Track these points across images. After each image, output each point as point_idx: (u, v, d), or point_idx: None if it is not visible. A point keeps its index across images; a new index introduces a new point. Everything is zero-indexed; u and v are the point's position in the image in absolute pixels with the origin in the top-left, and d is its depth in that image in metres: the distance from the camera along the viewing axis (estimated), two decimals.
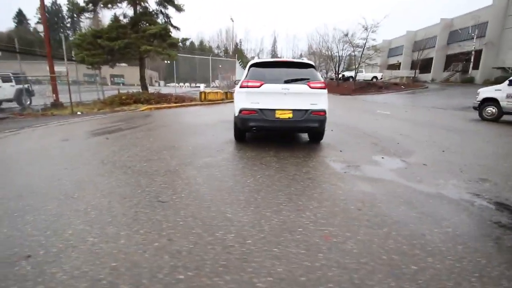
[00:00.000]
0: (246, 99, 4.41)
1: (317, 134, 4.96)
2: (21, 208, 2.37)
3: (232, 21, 31.02)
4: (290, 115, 4.29)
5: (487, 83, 21.24)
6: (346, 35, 24.94)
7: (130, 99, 11.88)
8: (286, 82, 4.36)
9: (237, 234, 1.99)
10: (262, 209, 2.41)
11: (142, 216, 2.26)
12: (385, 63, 40.22)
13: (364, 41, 24.00)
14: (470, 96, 15.47)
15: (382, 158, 4.17)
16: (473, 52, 25.98)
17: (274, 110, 4.30)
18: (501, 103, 8.65)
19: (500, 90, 8.79)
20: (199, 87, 23.38)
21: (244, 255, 1.75)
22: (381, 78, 30.36)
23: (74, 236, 1.94)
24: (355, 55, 25.61)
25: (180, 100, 12.94)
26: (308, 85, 4.34)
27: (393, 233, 2.02)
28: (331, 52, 28.60)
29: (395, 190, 2.90)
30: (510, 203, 2.63)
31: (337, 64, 28.28)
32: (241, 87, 4.47)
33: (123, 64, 25.61)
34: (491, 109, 8.95)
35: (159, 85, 40.33)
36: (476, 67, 25.90)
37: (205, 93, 13.87)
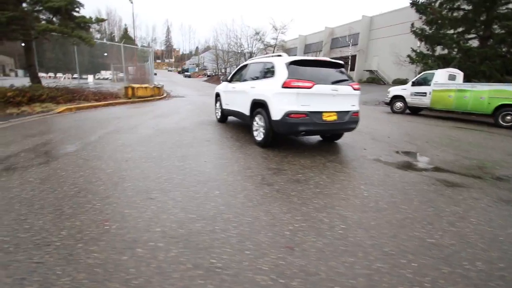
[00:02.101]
0: (295, 101, 4.02)
1: (340, 135, 5.12)
2: None
3: (131, 2, 26.38)
4: (335, 117, 4.22)
5: (361, 82, 27.38)
6: (258, 33, 26.13)
7: (23, 96, 8.44)
8: (334, 83, 4.23)
9: None
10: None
11: None
12: None
13: (275, 41, 25.84)
14: (370, 94, 19.43)
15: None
16: (350, 57, 32.50)
17: (321, 112, 4.12)
18: (406, 99, 11.32)
19: (405, 89, 11.44)
20: (86, 78, 19.28)
21: None
22: None
23: None
24: (266, 53, 27.24)
25: (102, 98, 10.27)
26: (351, 86, 4.35)
27: None
28: (241, 48, 29.38)
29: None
30: (401, 152, 3.59)
31: None
32: (285, 87, 4.01)
33: None
34: (399, 104, 11.57)
35: (16, 75, 30.07)
36: (352, 69, 32.61)
37: (132, 87, 11.52)
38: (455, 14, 14.54)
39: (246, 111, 5.09)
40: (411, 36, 25.03)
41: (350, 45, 32.02)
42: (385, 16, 29.65)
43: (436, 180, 3.46)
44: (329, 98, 4.19)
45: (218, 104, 7.04)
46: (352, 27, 31.83)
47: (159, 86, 14.35)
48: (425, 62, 16.24)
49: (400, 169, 3.85)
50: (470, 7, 13.93)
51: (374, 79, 29.48)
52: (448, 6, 14.83)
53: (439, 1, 15.20)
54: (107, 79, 23.87)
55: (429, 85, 10.64)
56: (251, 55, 29.25)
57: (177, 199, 2.59)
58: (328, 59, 4.47)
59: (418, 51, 16.70)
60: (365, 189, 3.04)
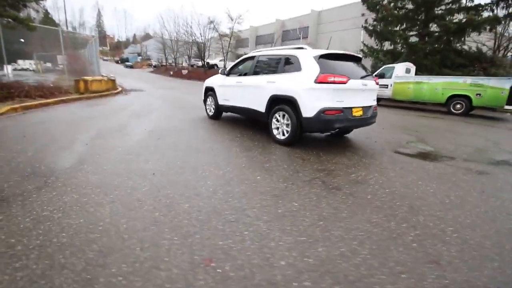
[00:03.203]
0: (331, 97, 3.83)
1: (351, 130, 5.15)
2: None
3: None
4: (361, 113, 4.19)
5: None
6: (212, 21, 24.96)
7: None
8: (362, 77, 4.16)
9: None
10: None
11: None
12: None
13: (231, 30, 25.04)
14: None
15: None
16: None
17: (351, 108, 4.03)
18: None
19: None
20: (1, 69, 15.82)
21: None
22: None
23: None
24: (222, 44, 26.23)
25: (49, 94, 8.46)
26: (375, 80, 4.35)
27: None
28: (194, 38, 27.78)
29: None
30: (409, 142, 4.15)
31: (203, 51, 27.97)
32: (320, 82, 3.79)
33: None
34: None
35: None
36: None
37: (85, 81, 9.75)
38: (400, 12, 16.08)
39: (260, 108, 4.71)
40: (356, 31, 27.18)
41: (301, 38, 33.13)
42: (332, 11, 31.36)
43: (465, 169, 3.72)
44: (359, 93, 4.13)
45: (210, 100, 6.42)
46: (302, 21, 32.88)
47: (112, 78, 12.56)
48: (376, 56, 17.80)
49: (427, 160, 4.04)
50: (412, 7, 15.60)
51: None
52: (394, 5, 16.35)
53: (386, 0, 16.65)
54: (27, 69, 19.84)
55: (390, 77, 11.63)
56: (204, 44, 27.84)
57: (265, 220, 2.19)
58: (351, 52, 4.38)
59: (368, 45, 18.16)
60: (425, 184, 3.07)
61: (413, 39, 15.87)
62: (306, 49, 4.31)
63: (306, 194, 2.69)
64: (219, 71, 5.93)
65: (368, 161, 3.85)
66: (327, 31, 31.90)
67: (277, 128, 4.49)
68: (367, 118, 4.32)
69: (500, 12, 13.85)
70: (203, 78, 26.72)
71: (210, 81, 6.45)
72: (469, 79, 9.56)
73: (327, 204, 2.49)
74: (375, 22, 17.23)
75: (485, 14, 14.23)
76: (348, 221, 2.22)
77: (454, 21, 14.27)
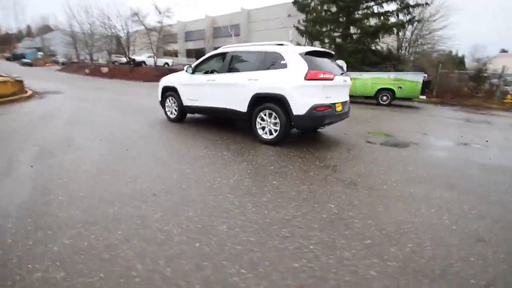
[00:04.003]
0: (321, 93, 3.88)
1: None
2: None
3: None
4: (341, 108, 4.39)
5: None
6: (136, 14, 22.57)
7: None
8: (342, 74, 4.31)
9: None
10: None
11: None
12: (183, 47, 40.10)
13: (160, 25, 23.10)
14: None
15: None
16: None
17: (335, 104, 4.18)
18: None
19: None
20: None
21: None
22: (172, 65, 31.17)
23: None
24: (150, 38, 23.91)
25: None
26: (349, 76, 4.58)
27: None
28: (114, 30, 24.64)
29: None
30: (389, 134, 5.10)
31: (127, 46, 25.07)
32: (310, 79, 3.78)
33: None
34: None
35: None
36: None
37: None
38: (327, 14, 17.68)
39: (241, 108, 4.44)
40: (285, 30, 28.72)
41: (233, 35, 33.14)
42: (261, 11, 32.34)
43: (436, 149, 4.30)
44: (340, 89, 4.30)
45: (171, 101, 5.73)
46: (232, 18, 32.90)
47: (18, 79, 10.02)
48: None
49: (400, 147, 4.52)
50: (336, 10, 17.34)
51: None
52: (321, 8, 17.87)
53: (313, 2, 18.06)
54: None
55: None
56: (128, 39, 24.89)
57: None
58: (327, 50, 4.50)
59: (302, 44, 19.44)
60: (416, 169, 3.40)
61: (339, 40, 17.72)
62: (287, 45, 4.23)
63: (332, 193, 2.63)
64: (185, 68, 5.33)
65: (355, 153, 4.05)
66: (258, 29, 32.81)
67: (263, 128, 4.32)
68: (346, 113, 4.55)
69: (404, 18, 16.65)
70: (129, 77, 24.33)
71: (169, 80, 5.75)
72: (392, 75, 11.23)
73: (360, 202, 2.48)
74: (305, 23, 18.51)
75: (392, 19, 16.95)
76: (393, 217, 2.26)
77: (371, 24, 16.51)
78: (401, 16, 16.56)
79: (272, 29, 30.93)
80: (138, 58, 27.64)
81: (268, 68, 4.18)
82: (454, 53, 37.51)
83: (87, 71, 27.09)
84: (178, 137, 4.62)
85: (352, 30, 17.66)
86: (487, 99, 13.68)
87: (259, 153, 3.87)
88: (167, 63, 30.28)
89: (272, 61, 4.16)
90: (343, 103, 4.43)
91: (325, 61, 4.24)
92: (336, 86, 4.13)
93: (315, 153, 3.94)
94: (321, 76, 3.81)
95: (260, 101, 4.23)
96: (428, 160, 3.88)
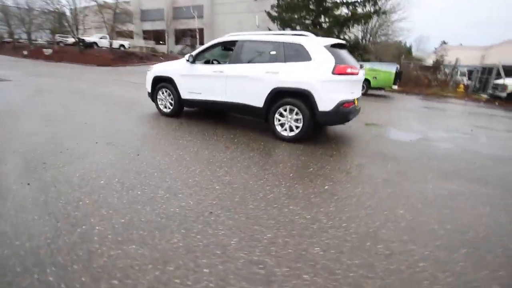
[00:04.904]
0: (348, 88, 3.76)
1: None
2: None
3: None
4: (357, 103, 4.33)
5: None
6: None
7: None
8: (361, 67, 4.21)
9: None
10: None
11: None
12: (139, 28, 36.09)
13: (114, 0, 20.56)
14: None
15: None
16: (197, 30, 31.86)
17: (356, 99, 4.09)
18: None
19: None
20: None
21: None
22: (129, 47, 28.37)
23: None
24: (104, 17, 21.15)
25: None
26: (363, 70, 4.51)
27: None
28: (58, 7, 21.36)
29: None
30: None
31: (75, 25, 21.97)
32: (338, 73, 3.61)
33: None
34: None
35: None
36: (202, 43, 32.35)
37: None
38: (298, 0, 17.50)
39: (256, 103, 4.11)
40: (251, 15, 27.94)
41: (196, 17, 31.22)
42: None
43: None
44: (359, 84, 4.21)
45: (164, 94, 5.09)
46: None
47: None
48: None
49: (405, 138, 4.68)
50: None
51: None
52: None
53: None
54: None
55: None
56: (76, 16, 21.72)
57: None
58: (342, 41, 4.32)
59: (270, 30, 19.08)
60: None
61: (310, 28, 17.78)
62: (307, 36, 3.97)
63: (406, 196, 2.56)
64: (186, 57, 4.71)
65: (374, 143, 4.07)
66: (223, 12, 31.37)
67: (281, 125, 4.07)
68: (359, 109, 4.51)
69: (370, 9, 17.26)
70: (80, 61, 21.55)
71: (163, 69, 5.08)
72: (368, 65, 11.64)
73: (429, 205, 2.45)
74: (277, 9, 18.13)
75: (359, 10, 17.47)
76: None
77: (341, 14, 16.83)
78: (367, 7, 17.22)
79: (238, 12, 29.80)
80: (88, 39, 24.55)
81: (289, 61, 3.88)
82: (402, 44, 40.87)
83: (25, 52, 23.24)
84: (188, 135, 4.12)
85: (321, 19, 17.86)
86: (443, 88, 15.15)
87: (286, 152, 3.64)
88: (123, 45, 27.48)
89: (294, 53, 3.87)
90: (358, 98, 4.37)
91: (346, 54, 4.08)
92: (358, 81, 4.04)
93: (340, 150, 3.85)
94: (349, 70, 3.67)
95: (280, 96, 3.95)
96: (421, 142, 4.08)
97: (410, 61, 17.80)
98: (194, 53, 4.69)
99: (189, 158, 3.22)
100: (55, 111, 5.17)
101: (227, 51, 5.31)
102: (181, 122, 4.87)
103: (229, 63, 4.39)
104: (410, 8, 37.39)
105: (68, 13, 22.14)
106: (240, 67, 4.22)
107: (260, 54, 4.22)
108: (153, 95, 5.29)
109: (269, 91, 3.95)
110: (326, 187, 2.68)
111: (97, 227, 1.85)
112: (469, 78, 17.25)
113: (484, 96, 13.76)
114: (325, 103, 3.68)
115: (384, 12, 18.11)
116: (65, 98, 6.53)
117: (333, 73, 3.61)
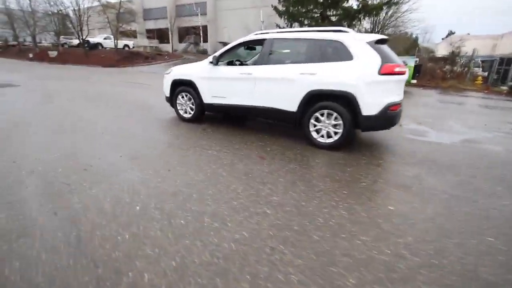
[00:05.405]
0: (394, 90, 3.40)
1: None
2: None
3: None
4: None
5: None
6: None
7: None
8: (406, 65, 3.81)
9: None
10: None
11: None
12: (142, 27, 35.79)
13: (119, 1, 20.20)
14: None
15: None
16: (200, 27, 31.40)
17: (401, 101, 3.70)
18: None
19: None
20: None
21: None
22: (133, 47, 28.05)
23: None
24: (108, 17, 20.83)
25: None
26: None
27: None
28: (62, 8, 21.08)
29: None
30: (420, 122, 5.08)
31: (79, 26, 21.69)
32: (385, 73, 3.24)
33: None
34: None
35: None
36: (206, 40, 31.95)
37: None
38: None
39: (289, 107, 3.76)
40: (256, 10, 27.38)
41: (199, 14, 30.75)
42: None
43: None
44: (403, 84, 3.82)
45: (184, 98, 4.77)
46: None
47: None
48: None
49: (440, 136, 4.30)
50: None
51: None
52: None
53: None
54: None
55: None
56: (80, 17, 21.42)
57: None
58: (385, 36, 3.92)
59: (280, 25, 18.58)
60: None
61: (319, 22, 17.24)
62: (347, 32, 3.58)
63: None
64: (209, 58, 4.36)
65: (416, 147, 3.70)
66: (226, 8, 30.79)
67: (317, 131, 3.72)
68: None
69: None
70: (85, 62, 21.31)
71: (183, 72, 4.75)
72: None
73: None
74: (284, 3, 17.61)
75: (369, 1, 16.87)
76: None
77: (351, 6, 16.25)
78: None
79: (242, 8, 29.23)
80: (92, 39, 24.32)
81: (326, 60, 3.51)
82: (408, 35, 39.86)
83: (31, 55, 23.14)
84: (215, 144, 3.79)
85: (329, 12, 17.29)
86: (460, 81, 14.56)
87: (327, 162, 3.30)
88: (127, 46, 27.11)
89: (332, 52, 3.49)
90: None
91: (389, 50, 3.68)
92: (403, 81, 3.65)
93: (384, 157, 3.50)
94: (397, 69, 3.29)
95: (317, 99, 3.59)
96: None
97: (423, 53, 17.17)
98: (217, 54, 4.34)
99: (225, 173, 2.90)
100: (68, 119, 4.88)
101: (250, 51, 4.98)
102: (204, 128, 4.55)
103: (257, 64, 4.03)
104: None
105: (71, 14, 21.80)
106: (270, 68, 3.86)
107: (292, 53, 3.87)
108: (172, 100, 4.96)
109: (304, 94, 3.60)
110: (391, 207, 2.33)
111: (146, 274, 1.54)
112: (483, 69, 16.65)
113: (505, 88, 13.20)
114: (370, 106, 3.31)
115: (396, 3, 17.44)
116: (75, 104, 6.25)
117: (380, 73, 3.23)
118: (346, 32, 3.59)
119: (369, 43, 3.35)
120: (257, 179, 2.76)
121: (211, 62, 4.32)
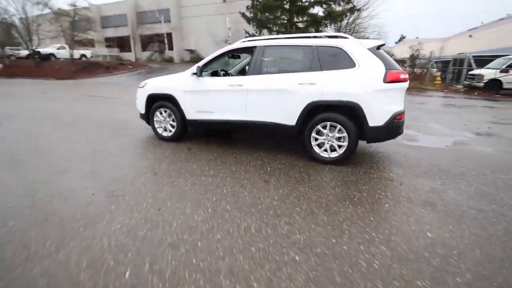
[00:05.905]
0: (400, 98, 3.21)
1: None
2: None
3: None
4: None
5: (184, 62, 27.27)
6: None
7: None
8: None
9: None
10: None
11: None
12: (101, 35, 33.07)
13: (74, 8, 18.57)
14: None
15: None
16: (165, 35, 30.25)
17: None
18: None
19: None
20: None
21: None
22: (91, 57, 26.06)
23: None
24: (61, 25, 19.01)
25: None
26: None
27: None
28: (6, 16, 18.87)
29: None
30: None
31: (28, 36, 19.59)
32: (390, 81, 3.04)
33: None
34: None
35: None
36: (171, 48, 30.84)
37: None
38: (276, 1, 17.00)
39: (288, 120, 3.41)
40: (221, 17, 27.09)
41: (163, 21, 29.63)
42: None
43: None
44: (404, 91, 3.66)
45: (163, 115, 4.20)
46: (160, 2, 29.23)
47: None
48: None
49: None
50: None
51: (197, 59, 29.69)
52: None
53: None
54: None
55: None
56: (29, 26, 19.29)
57: None
58: (381, 41, 3.74)
59: (249, 32, 18.42)
60: None
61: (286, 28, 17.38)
62: (347, 38, 3.33)
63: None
64: (192, 69, 3.84)
65: (414, 154, 3.57)
66: (191, 15, 30.06)
67: (319, 145, 3.41)
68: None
69: (344, 7, 17.27)
70: (36, 75, 19.23)
71: (160, 85, 4.18)
72: None
73: None
74: (252, 9, 17.50)
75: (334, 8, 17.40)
76: None
77: (318, 13, 16.63)
78: (342, 5, 17.21)
79: (206, 15, 28.74)
80: (44, 50, 22.12)
81: (327, 68, 3.22)
82: None
83: None
84: (207, 167, 3.29)
85: (296, 19, 17.54)
86: (421, 82, 15.52)
87: (338, 180, 2.98)
88: (84, 55, 25.20)
89: (332, 59, 3.21)
90: None
91: (387, 56, 3.49)
92: (406, 88, 3.49)
93: (392, 170, 3.28)
94: (402, 76, 3.10)
95: (318, 111, 3.28)
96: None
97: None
98: (200, 64, 3.86)
99: (229, 206, 2.43)
100: (22, 147, 4.03)
101: (234, 59, 4.57)
102: (188, 148, 4.02)
103: (248, 74, 3.62)
104: (381, 5, 38.66)
105: (18, 23, 19.59)
106: (264, 78, 3.48)
107: (288, 61, 3.54)
108: (148, 117, 4.35)
109: (304, 106, 3.27)
110: (430, 234, 2.06)
111: None
112: (438, 70, 18.02)
113: (460, 87, 14.31)
114: (377, 116, 3.08)
115: (358, 9, 18.23)
116: (30, 126, 5.30)
117: (385, 81, 3.02)
118: (345, 38, 3.35)
119: (370, 49, 3.13)
120: (270, 212, 2.34)
121: (194, 73, 3.83)
